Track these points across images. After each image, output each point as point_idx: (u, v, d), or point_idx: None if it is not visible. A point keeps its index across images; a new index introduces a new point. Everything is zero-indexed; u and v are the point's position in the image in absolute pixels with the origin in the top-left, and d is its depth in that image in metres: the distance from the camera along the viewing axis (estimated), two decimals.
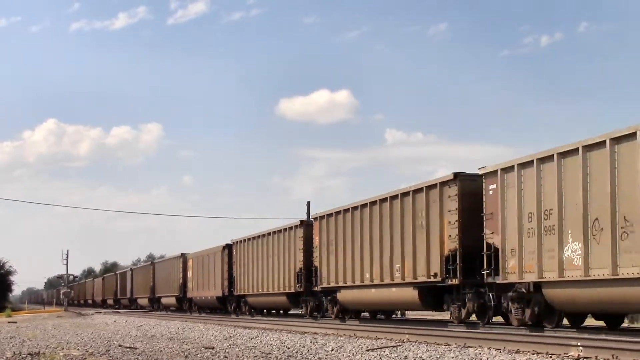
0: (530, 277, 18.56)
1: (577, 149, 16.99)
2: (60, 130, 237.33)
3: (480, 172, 20.55)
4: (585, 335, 15.91)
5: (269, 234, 35.84)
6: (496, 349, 15.01)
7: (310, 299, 31.69)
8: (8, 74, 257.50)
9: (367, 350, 15.97)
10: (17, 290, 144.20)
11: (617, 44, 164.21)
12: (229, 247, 41.84)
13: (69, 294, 79.10)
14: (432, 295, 23.00)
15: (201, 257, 47.51)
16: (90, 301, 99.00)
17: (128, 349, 18.07)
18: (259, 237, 37.13)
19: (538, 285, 18.44)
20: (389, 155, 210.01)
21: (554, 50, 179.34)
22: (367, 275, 26.05)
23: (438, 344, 16.78)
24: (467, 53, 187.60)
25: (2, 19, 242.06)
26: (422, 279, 22.75)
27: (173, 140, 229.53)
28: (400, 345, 16.73)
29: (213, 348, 17.69)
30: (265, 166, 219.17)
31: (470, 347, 15.75)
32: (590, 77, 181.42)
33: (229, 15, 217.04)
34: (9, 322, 38.71)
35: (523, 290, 19.00)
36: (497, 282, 19.81)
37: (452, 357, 14.16)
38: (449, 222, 21.50)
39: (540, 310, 18.76)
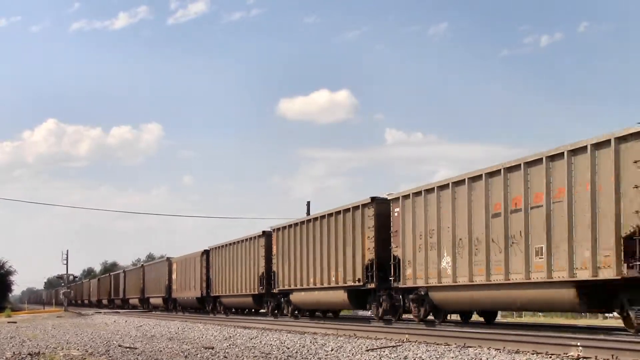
0: (420, 283, 23.48)
1: (448, 184, 22.12)
2: (60, 130, 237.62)
3: (389, 197, 25.13)
4: (585, 335, 15.91)
5: (238, 242, 39.87)
6: (496, 349, 15.02)
7: (271, 299, 35.57)
8: (8, 74, 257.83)
9: (367, 350, 15.98)
10: (17, 290, 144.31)
11: (617, 44, 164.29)
12: (206, 253, 45.58)
13: (69, 294, 79.13)
14: (357, 297, 27.54)
15: (184, 261, 51.29)
16: (86, 301, 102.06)
17: (128, 349, 18.07)
18: (230, 244, 41.09)
19: (427, 289, 23.27)
20: (389, 155, 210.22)
21: (554, 50, 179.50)
22: (312, 280, 30.27)
23: (438, 344, 16.78)
24: (467, 53, 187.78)
25: (2, 18, 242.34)
26: (349, 283, 27.27)
27: (173, 140, 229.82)
28: (400, 345, 16.74)
29: (213, 348, 17.69)
30: (265, 166, 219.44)
31: (470, 347, 15.75)
32: (591, 77, 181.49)
33: (229, 15, 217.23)
34: (8, 322, 38.72)
35: (421, 292, 23.51)
36: (400, 286, 24.53)
37: (452, 357, 14.17)
38: (368, 237, 25.97)
39: (430, 309, 23.60)
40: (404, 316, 26.09)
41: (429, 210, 23.08)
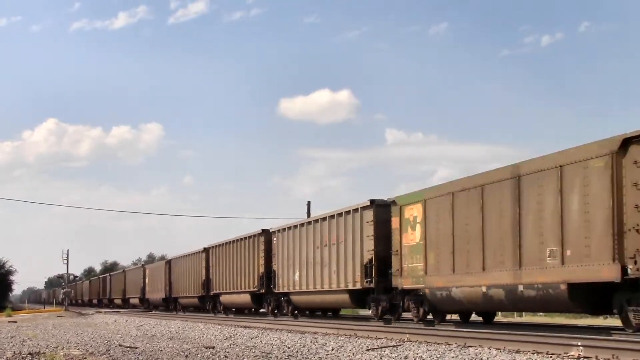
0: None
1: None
2: (60, 130, 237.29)
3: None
4: (586, 335, 15.92)
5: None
6: (496, 349, 15.02)
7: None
8: (8, 73, 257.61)
9: (368, 350, 15.98)
10: (17, 289, 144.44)
11: (618, 44, 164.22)
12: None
13: (70, 293, 79.22)
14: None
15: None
16: (80, 301, 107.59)
17: (128, 349, 18.07)
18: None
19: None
20: (389, 155, 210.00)
21: (554, 50, 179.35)
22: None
23: (438, 344, 16.79)
24: (468, 53, 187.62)
25: (2, 18, 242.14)
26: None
27: (173, 140, 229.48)
28: (400, 345, 16.74)
29: (213, 348, 17.69)
30: (265, 166, 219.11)
31: (471, 346, 15.75)
32: (591, 77, 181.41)
33: (229, 15, 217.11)
34: (9, 322, 38.73)
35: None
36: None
37: (453, 357, 14.17)
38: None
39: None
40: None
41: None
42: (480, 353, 14.43)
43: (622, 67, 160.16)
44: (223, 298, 43.06)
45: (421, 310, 23.40)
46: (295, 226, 32.55)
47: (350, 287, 27.15)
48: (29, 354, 16.95)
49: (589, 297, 17.35)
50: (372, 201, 25.69)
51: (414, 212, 23.48)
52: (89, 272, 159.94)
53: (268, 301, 36.11)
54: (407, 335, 18.67)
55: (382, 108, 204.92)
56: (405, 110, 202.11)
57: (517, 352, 14.35)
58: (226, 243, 41.95)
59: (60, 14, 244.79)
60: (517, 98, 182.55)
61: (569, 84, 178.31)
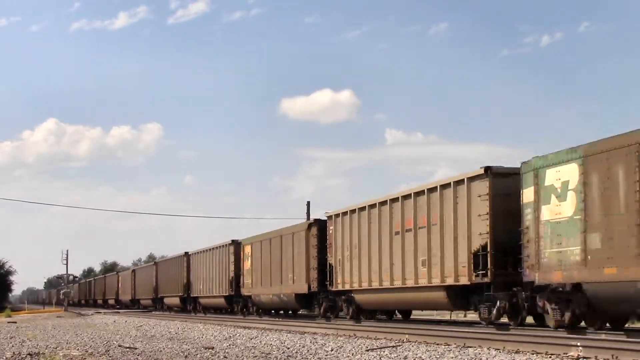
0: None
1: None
2: (60, 130, 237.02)
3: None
4: (585, 335, 15.91)
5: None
6: (496, 349, 15.02)
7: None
8: (8, 73, 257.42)
9: (367, 350, 15.98)
10: (17, 290, 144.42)
11: (618, 44, 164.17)
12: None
13: (69, 294, 79.27)
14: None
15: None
16: (71, 302, 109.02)
17: (128, 349, 18.07)
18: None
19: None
20: (389, 155, 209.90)
21: (554, 50, 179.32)
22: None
23: (438, 344, 16.79)
24: (468, 53, 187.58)
25: (2, 18, 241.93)
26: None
27: (173, 140, 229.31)
28: (400, 345, 16.74)
29: (213, 348, 17.69)
30: (265, 166, 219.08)
31: (470, 347, 15.75)
32: (591, 77, 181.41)
33: (230, 15, 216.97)
34: (8, 322, 38.72)
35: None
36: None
37: (452, 357, 14.17)
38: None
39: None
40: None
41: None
42: (479, 353, 14.43)
43: (622, 67, 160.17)
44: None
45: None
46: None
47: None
48: (29, 354, 16.94)
49: None
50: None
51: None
52: (89, 272, 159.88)
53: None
54: (407, 336, 18.68)
55: (383, 108, 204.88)
56: (405, 110, 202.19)
57: (517, 352, 14.34)
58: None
59: (60, 14, 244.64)
60: (517, 98, 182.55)
61: (569, 84, 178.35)
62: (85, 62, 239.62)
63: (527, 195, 18.21)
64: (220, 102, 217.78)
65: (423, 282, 22.58)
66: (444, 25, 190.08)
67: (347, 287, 27.41)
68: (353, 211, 26.90)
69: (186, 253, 49.98)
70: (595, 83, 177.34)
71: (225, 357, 15.69)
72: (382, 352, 15.43)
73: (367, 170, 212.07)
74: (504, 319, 20.66)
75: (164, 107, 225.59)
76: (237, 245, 39.53)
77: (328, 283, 28.80)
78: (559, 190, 17.17)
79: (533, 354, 13.92)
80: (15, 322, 38.56)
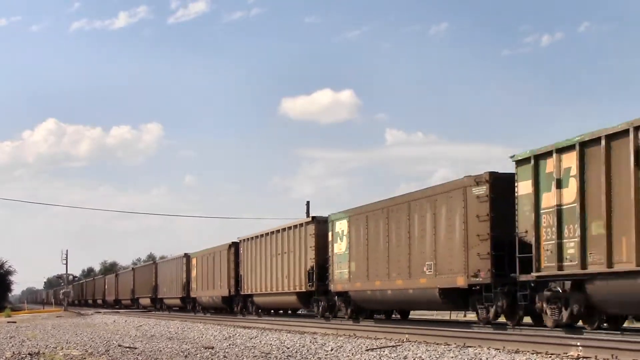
0: None
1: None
2: (60, 130, 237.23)
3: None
4: (585, 335, 15.91)
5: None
6: (495, 349, 15.01)
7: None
8: (8, 73, 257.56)
9: (367, 350, 15.98)
10: (16, 290, 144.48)
11: (618, 44, 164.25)
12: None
13: (69, 294, 79.33)
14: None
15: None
16: (70, 302, 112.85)
17: (127, 349, 18.06)
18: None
19: None
20: (389, 155, 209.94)
21: (554, 50, 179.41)
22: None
23: (437, 344, 16.79)
24: (468, 53, 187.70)
25: (2, 18, 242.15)
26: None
27: (173, 140, 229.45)
28: (399, 345, 16.74)
29: (212, 348, 17.69)
30: (265, 166, 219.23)
31: (470, 347, 15.75)
32: (591, 77, 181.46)
33: (230, 14, 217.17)
34: (8, 322, 38.72)
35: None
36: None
37: (452, 357, 14.17)
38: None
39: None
40: None
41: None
42: (479, 353, 14.43)
43: (622, 66, 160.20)
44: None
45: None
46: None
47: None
48: (29, 354, 16.94)
49: None
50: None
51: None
52: (89, 272, 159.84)
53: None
54: (407, 335, 18.68)
55: (383, 108, 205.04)
56: (406, 110, 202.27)
57: (517, 352, 14.34)
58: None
59: (60, 13, 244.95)
60: (517, 98, 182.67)
61: (569, 84, 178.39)
62: (85, 62, 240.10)
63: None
64: (221, 102, 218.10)
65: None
66: (445, 25, 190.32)
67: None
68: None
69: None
70: (595, 83, 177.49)
71: (225, 356, 15.69)
72: (382, 352, 15.43)
73: (367, 170, 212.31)
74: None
75: (164, 107, 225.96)
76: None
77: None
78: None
79: (533, 353, 13.91)
80: (15, 322, 38.57)
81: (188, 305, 51.39)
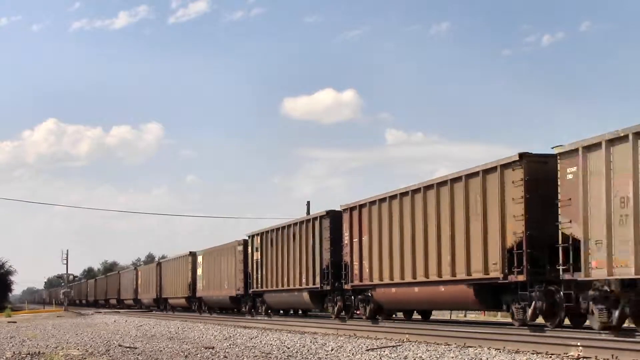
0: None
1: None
2: (60, 129, 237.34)
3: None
4: (585, 335, 15.90)
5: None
6: (496, 349, 15.02)
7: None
8: (8, 73, 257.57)
9: (367, 350, 15.98)
10: (17, 289, 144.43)
11: (619, 44, 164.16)
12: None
13: (69, 293, 79.35)
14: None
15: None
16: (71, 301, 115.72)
17: (128, 349, 18.07)
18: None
19: None
20: (390, 155, 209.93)
21: (555, 50, 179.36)
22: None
23: (438, 344, 16.79)
24: (469, 52, 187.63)
25: (2, 17, 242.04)
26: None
27: (173, 140, 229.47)
28: (400, 345, 16.74)
29: (213, 348, 17.69)
30: (266, 166, 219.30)
31: (470, 347, 15.75)
32: (592, 77, 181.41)
33: (230, 14, 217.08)
34: (8, 322, 38.72)
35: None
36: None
37: (452, 357, 14.17)
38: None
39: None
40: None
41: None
42: (480, 353, 14.43)
43: (623, 66, 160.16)
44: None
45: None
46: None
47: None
48: (29, 354, 16.94)
49: None
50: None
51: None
52: (89, 272, 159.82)
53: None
54: (407, 335, 18.67)
55: (386, 108, 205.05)
56: (407, 110, 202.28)
57: (517, 352, 14.35)
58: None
59: (61, 13, 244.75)
60: (518, 98, 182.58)
61: (570, 84, 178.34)
62: (85, 62, 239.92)
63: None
64: (221, 101, 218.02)
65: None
66: (445, 25, 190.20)
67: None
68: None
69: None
70: (597, 82, 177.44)
71: (225, 356, 15.69)
72: (382, 352, 15.43)
73: (367, 170, 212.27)
74: None
75: (165, 106, 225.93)
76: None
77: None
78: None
79: (533, 353, 13.92)
80: (15, 322, 38.56)
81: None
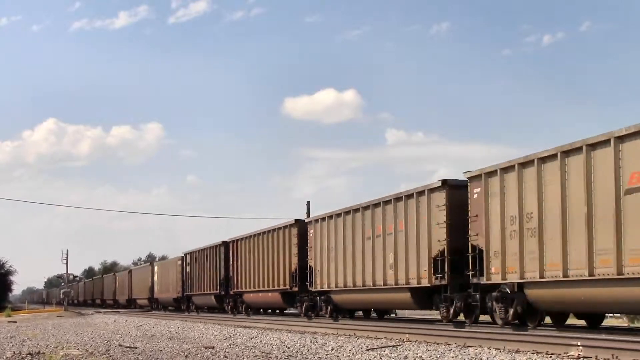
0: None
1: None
2: (60, 129, 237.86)
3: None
4: (585, 335, 15.91)
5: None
6: (496, 349, 15.02)
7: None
8: (8, 73, 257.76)
9: (367, 350, 15.98)
10: (17, 289, 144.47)
11: (619, 43, 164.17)
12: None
13: (69, 293, 79.39)
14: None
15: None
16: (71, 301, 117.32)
17: (128, 349, 18.06)
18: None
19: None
20: (390, 155, 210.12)
21: (556, 50, 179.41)
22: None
23: (438, 344, 16.79)
24: (469, 52, 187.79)
25: (3, 18, 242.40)
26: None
27: (173, 140, 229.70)
28: (400, 345, 16.74)
29: (213, 348, 17.69)
30: (266, 166, 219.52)
31: (470, 346, 15.75)
32: (592, 77, 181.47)
33: (230, 14, 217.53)
34: (9, 322, 38.72)
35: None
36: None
37: (452, 357, 14.17)
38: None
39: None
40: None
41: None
42: (480, 353, 14.43)
43: (623, 66, 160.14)
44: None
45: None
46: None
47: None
48: (29, 354, 16.93)
49: None
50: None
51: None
52: (89, 272, 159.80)
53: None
54: (407, 335, 18.68)
55: (386, 108, 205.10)
56: (407, 110, 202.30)
57: (517, 352, 14.34)
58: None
59: (61, 13, 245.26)
60: (519, 97, 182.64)
61: (570, 84, 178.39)
62: (85, 62, 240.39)
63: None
64: (222, 101, 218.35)
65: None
66: (445, 25, 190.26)
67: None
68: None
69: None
70: (597, 82, 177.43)
71: (225, 356, 15.69)
72: (382, 352, 15.43)
73: (368, 170, 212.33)
74: None
75: (165, 106, 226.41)
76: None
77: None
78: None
79: (533, 353, 13.92)
80: (16, 322, 38.56)
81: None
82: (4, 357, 16.40)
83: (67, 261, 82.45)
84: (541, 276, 18.14)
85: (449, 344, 16.49)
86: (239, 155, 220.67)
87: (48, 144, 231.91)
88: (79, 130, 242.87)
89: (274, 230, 35.17)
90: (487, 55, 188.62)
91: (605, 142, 16.33)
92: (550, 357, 13.41)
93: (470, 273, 20.74)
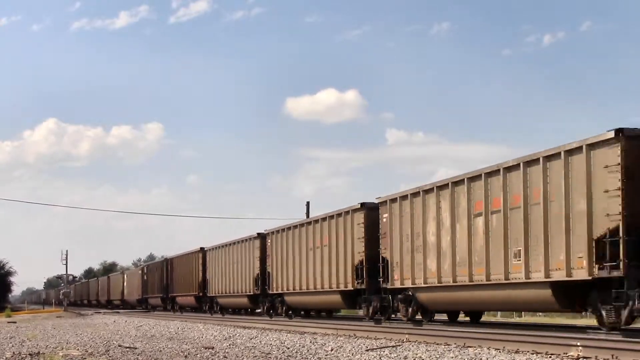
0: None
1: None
2: (60, 129, 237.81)
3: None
4: (585, 335, 15.92)
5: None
6: (496, 349, 15.02)
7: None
8: (8, 73, 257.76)
9: (367, 350, 15.98)
10: (16, 290, 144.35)
11: (620, 43, 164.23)
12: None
13: (69, 294, 79.38)
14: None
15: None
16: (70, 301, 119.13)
17: (128, 349, 18.06)
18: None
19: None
20: (390, 155, 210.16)
21: (556, 50, 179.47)
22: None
23: (438, 344, 16.80)
24: (469, 52, 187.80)
25: (3, 17, 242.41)
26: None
27: (174, 140, 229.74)
28: (399, 345, 16.74)
29: (213, 348, 17.69)
30: (266, 166, 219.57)
31: (470, 347, 15.75)
32: (593, 77, 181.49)
33: (231, 14, 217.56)
34: (8, 322, 38.71)
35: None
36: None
37: (452, 357, 14.17)
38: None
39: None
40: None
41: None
42: (479, 353, 14.43)
43: (624, 66, 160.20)
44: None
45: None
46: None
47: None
48: (29, 354, 16.93)
49: None
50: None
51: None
52: (89, 272, 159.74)
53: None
54: (407, 335, 18.68)
55: (387, 108, 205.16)
56: (408, 110, 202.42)
57: (517, 352, 14.35)
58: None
59: (61, 13, 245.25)
60: (519, 97, 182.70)
61: (571, 84, 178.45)
62: (85, 62, 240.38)
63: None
64: (222, 101, 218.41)
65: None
66: (446, 25, 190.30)
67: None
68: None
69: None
70: (597, 82, 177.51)
71: (225, 357, 15.69)
72: (382, 352, 15.43)
73: (368, 170, 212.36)
74: None
75: (165, 106, 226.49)
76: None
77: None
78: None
79: (533, 353, 13.92)
80: (15, 322, 38.56)
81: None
82: (4, 357, 16.40)
83: (66, 262, 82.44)
84: (425, 282, 22.72)
85: (448, 344, 16.50)
86: (239, 155, 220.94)
87: (48, 144, 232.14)
88: (79, 130, 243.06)
89: (240, 241, 40.45)
90: (487, 55, 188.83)
91: (461, 181, 20.90)
92: (550, 357, 13.41)
93: (381, 279, 25.35)
